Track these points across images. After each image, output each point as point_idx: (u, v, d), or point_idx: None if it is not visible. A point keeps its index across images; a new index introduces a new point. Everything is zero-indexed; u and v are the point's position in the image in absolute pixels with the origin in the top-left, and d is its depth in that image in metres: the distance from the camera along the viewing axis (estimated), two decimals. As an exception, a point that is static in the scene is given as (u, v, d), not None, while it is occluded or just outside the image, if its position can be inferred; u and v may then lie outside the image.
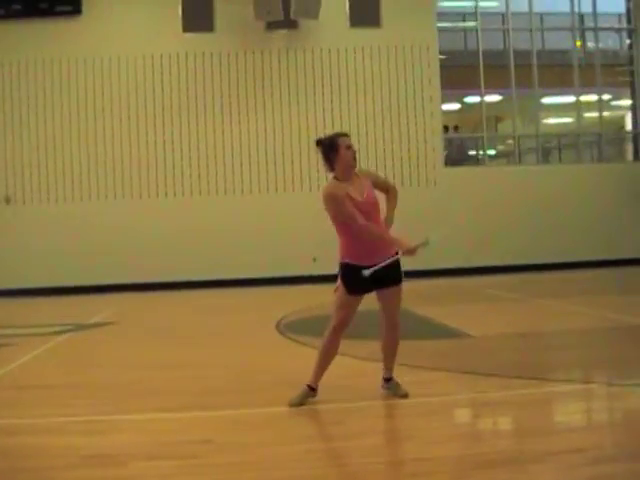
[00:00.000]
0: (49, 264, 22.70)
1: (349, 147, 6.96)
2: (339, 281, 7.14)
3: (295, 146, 23.74)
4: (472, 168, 25.85)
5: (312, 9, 22.64)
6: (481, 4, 25.52)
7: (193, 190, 23.50)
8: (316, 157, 22.19)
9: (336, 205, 6.88)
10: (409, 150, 24.21)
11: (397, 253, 7.02)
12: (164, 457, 5.68)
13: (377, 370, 8.59)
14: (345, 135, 7.11)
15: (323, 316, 13.89)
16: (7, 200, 23.36)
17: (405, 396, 7.14)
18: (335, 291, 7.18)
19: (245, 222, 22.91)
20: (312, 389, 7.13)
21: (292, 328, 12.69)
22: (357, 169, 7.09)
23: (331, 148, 6.97)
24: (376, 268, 6.81)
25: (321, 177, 23.30)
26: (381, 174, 7.44)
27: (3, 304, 20.48)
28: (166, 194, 23.35)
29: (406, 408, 6.84)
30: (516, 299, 16.92)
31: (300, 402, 7.00)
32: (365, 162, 23.53)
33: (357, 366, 9.05)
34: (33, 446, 6.07)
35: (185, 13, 24.05)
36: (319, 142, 7.08)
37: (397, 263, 7.10)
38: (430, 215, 23.44)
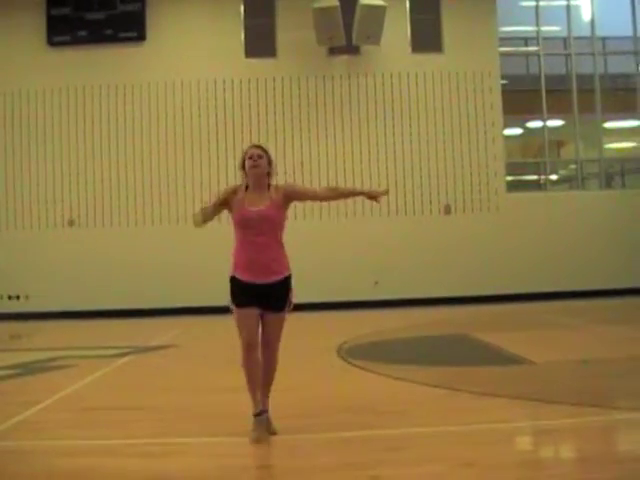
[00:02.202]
0: (112, 286, 22.99)
1: (250, 157, 7.00)
2: (232, 305, 6.95)
3: (357, 171, 23.81)
4: (534, 193, 25.67)
5: (374, 35, 22.76)
6: (543, 29, 25.46)
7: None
8: (378, 182, 22.04)
9: (219, 193, 7.07)
10: (471, 175, 24.15)
11: (288, 277, 6.99)
12: (225, 481, 5.70)
13: (434, 396, 8.59)
14: (254, 147, 7.16)
15: (386, 341, 13.87)
16: (71, 223, 23.70)
17: (273, 434, 6.91)
18: (232, 312, 6.99)
19: (305, 247, 22.90)
20: (258, 414, 6.89)
21: (354, 353, 12.66)
22: (276, 183, 7.15)
23: (242, 160, 7.10)
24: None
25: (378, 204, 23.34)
26: (305, 185, 7.30)
27: (66, 326, 20.73)
28: (228, 219, 23.45)
29: (467, 435, 6.79)
30: (578, 325, 16.76)
31: (260, 435, 6.78)
32: (427, 187, 23.63)
33: (414, 391, 9.02)
34: (93, 468, 6.12)
35: (248, 39, 24.35)
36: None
37: (286, 288, 6.99)
38: (492, 240, 23.43)
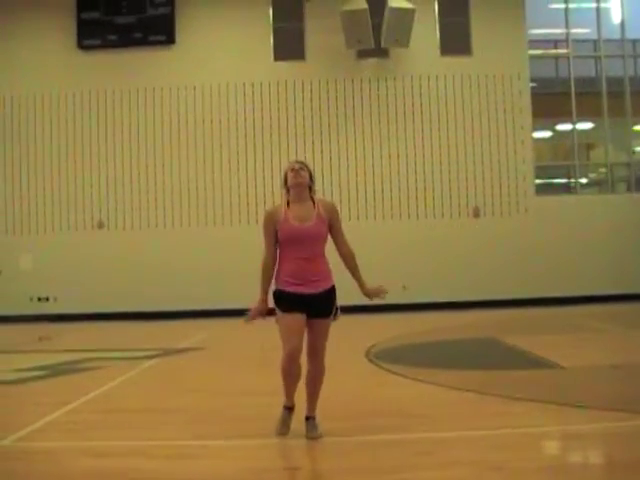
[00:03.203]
0: (141, 288, 23.09)
1: (292, 169, 7.08)
2: (278, 313, 6.94)
3: (385, 173, 23.79)
4: (563, 196, 25.55)
5: (403, 38, 22.73)
6: (572, 31, 25.33)
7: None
8: (407, 185, 21.99)
9: (263, 227, 7.08)
10: (500, 178, 24.08)
11: (333, 286, 7.08)
12: (253, 483, 5.71)
13: (463, 400, 8.56)
14: (295, 162, 7.26)
15: (415, 345, 13.83)
16: (100, 225, 23.83)
17: (318, 437, 6.92)
18: (277, 321, 6.96)
19: (333, 250, 22.73)
20: (288, 408, 7.04)
21: (383, 356, 12.64)
22: (317, 196, 7.20)
23: (284, 176, 7.19)
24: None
25: (404, 205, 23.32)
26: (341, 226, 7.30)
27: (94, 328, 20.83)
28: (257, 221, 23.51)
29: (495, 439, 6.76)
30: (608, 329, 16.64)
31: (284, 429, 6.94)
32: (456, 190, 23.55)
33: (442, 395, 9.01)
34: (120, 469, 6.15)
35: (276, 42, 24.38)
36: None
37: (331, 297, 7.05)
38: (521, 244, 23.33)
